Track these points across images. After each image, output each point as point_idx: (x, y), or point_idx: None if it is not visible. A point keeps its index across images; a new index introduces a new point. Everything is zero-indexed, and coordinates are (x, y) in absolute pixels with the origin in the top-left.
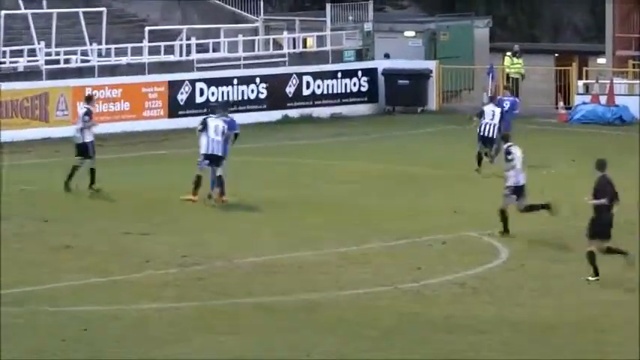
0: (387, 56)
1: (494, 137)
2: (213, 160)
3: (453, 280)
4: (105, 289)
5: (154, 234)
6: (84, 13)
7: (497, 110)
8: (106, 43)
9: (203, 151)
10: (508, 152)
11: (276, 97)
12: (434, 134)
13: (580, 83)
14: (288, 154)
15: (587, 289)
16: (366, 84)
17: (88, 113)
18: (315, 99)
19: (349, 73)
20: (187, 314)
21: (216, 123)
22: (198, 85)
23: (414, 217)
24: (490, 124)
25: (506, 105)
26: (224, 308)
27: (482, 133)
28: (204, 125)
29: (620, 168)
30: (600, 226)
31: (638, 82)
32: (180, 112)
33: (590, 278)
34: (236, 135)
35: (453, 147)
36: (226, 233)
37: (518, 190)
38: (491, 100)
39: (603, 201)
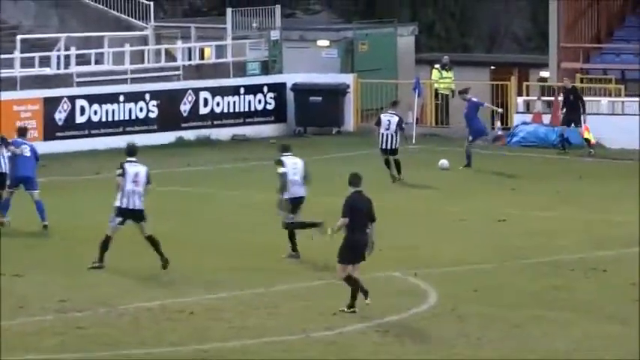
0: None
1: (396, 147)
2: None
3: (374, 327)
4: None
5: (27, 275)
6: None
7: (394, 119)
8: None
9: None
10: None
11: (169, 117)
12: (351, 159)
13: (520, 100)
14: (181, 183)
15: (530, 335)
16: (272, 101)
17: None
18: (213, 119)
19: (253, 89)
20: None
21: None
22: (79, 103)
23: (328, 255)
24: (388, 134)
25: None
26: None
27: (383, 146)
28: None
29: (571, 198)
30: (353, 248)
31: (587, 98)
32: (59, 134)
33: (346, 310)
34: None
35: (372, 173)
36: (109, 274)
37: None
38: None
39: (344, 220)
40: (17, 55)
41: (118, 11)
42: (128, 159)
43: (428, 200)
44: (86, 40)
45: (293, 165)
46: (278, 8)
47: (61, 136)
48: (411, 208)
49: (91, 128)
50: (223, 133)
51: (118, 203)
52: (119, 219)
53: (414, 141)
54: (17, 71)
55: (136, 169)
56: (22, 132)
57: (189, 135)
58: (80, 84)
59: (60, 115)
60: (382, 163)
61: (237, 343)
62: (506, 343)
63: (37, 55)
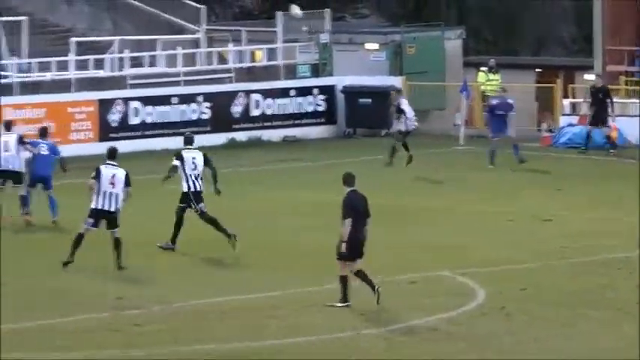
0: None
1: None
2: (8, 176)
3: (424, 325)
4: (33, 335)
5: (82, 272)
6: (1, 22)
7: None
8: (27, 57)
9: None
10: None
11: (221, 118)
12: (400, 160)
13: (566, 102)
14: (232, 183)
15: (577, 334)
16: (322, 103)
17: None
18: (264, 120)
19: (304, 91)
20: None
21: (4, 139)
22: (132, 105)
23: (378, 254)
24: (409, 119)
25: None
26: (172, 357)
27: (405, 129)
28: None
29: (615, 199)
30: (355, 246)
31: (631, 101)
32: (113, 135)
33: (337, 304)
34: (62, 160)
35: (420, 175)
36: (163, 273)
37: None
38: None
39: (349, 221)
40: (72, 57)
41: (170, 15)
42: (107, 161)
43: (475, 201)
44: (139, 43)
45: (192, 159)
46: (328, 12)
47: (115, 137)
48: (459, 208)
49: (145, 129)
50: (274, 135)
51: (93, 205)
52: (92, 220)
53: (462, 142)
54: (72, 73)
55: (112, 171)
56: (43, 132)
57: (240, 136)
58: (134, 86)
59: (114, 117)
60: (400, 149)
61: (292, 340)
62: (554, 341)
63: (91, 57)
